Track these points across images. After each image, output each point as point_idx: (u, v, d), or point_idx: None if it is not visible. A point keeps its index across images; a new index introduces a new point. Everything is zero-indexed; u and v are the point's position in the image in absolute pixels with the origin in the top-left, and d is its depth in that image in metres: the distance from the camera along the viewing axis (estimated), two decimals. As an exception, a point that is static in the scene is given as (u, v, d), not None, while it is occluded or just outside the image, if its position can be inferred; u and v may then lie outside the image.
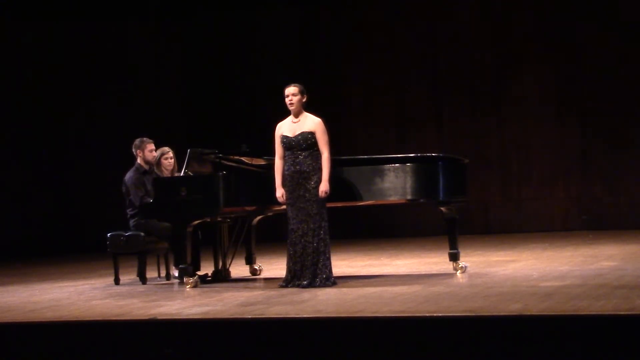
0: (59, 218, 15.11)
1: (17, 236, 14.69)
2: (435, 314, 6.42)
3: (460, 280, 8.58)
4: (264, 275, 9.83)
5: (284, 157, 8.45)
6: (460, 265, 9.05)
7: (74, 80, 15.36)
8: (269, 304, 7.40)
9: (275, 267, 10.18)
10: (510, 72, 14.84)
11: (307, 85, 8.61)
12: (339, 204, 8.90)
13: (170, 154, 9.87)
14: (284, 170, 8.45)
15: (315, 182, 8.34)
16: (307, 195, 8.35)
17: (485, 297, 7.14)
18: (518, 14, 14.81)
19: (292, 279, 8.40)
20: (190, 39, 16.28)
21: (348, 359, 6.16)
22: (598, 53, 14.38)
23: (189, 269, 8.93)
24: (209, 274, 9.44)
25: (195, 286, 8.84)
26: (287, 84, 8.53)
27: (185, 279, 8.92)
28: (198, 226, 9.18)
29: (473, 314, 6.33)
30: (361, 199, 8.83)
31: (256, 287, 8.96)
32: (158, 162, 9.79)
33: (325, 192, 8.32)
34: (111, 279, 9.64)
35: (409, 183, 8.74)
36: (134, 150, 9.81)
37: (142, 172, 9.69)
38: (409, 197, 8.82)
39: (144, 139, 9.83)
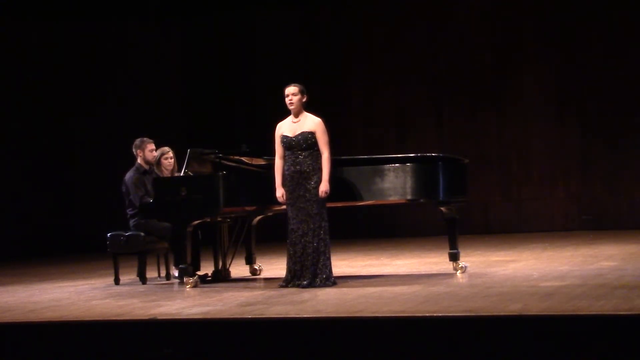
0: (59, 218, 15.11)
1: (17, 236, 14.69)
2: (435, 314, 6.42)
3: (460, 280, 8.58)
4: (264, 275, 9.83)
5: (284, 157, 8.45)
6: (460, 265, 9.05)
7: (74, 80, 15.37)
8: (269, 304, 7.39)
9: (275, 267, 10.18)
10: (510, 72, 14.84)
11: (307, 85, 8.61)
12: (339, 204, 8.90)
13: (170, 154, 9.87)
14: (284, 170, 8.44)
15: (316, 182, 8.34)
16: (307, 195, 8.35)
17: (485, 297, 7.14)
18: (518, 14, 14.81)
19: (292, 279, 8.40)
20: (190, 39, 16.29)
21: (348, 359, 6.16)
22: (598, 53, 14.39)
23: (189, 269, 8.93)
24: (209, 274, 9.43)
25: (195, 286, 8.84)
26: (287, 84, 8.54)
27: (185, 279, 8.92)
28: (198, 226, 9.18)
29: (473, 314, 6.33)
30: (361, 199, 8.83)
31: (256, 287, 8.96)
32: (158, 162, 9.79)
33: (326, 192, 8.32)
34: (111, 279, 9.64)
35: (409, 183, 8.74)
36: (134, 150, 9.81)
37: (142, 172, 9.69)
38: (409, 197, 8.82)
39: (144, 139, 9.83)
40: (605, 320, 5.96)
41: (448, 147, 13.96)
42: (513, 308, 6.46)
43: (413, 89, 15.29)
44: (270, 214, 9.60)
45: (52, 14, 15.11)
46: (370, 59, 15.44)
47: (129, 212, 9.65)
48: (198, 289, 8.74)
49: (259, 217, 9.75)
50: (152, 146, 9.78)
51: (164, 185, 9.24)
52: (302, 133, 8.38)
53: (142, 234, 9.50)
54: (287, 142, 8.42)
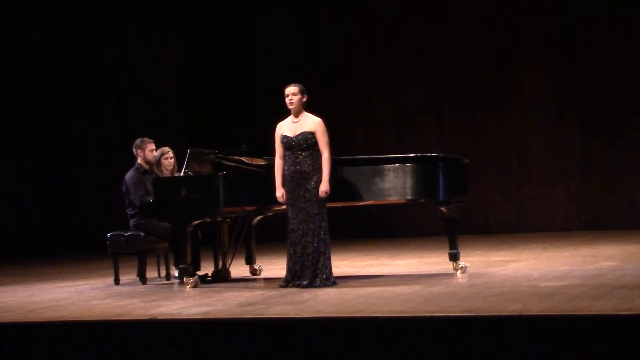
0: (59, 218, 15.12)
1: (17, 236, 14.69)
2: (435, 314, 6.41)
3: (460, 280, 8.58)
4: (264, 275, 9.83)
5: (284, 157, 8.45)
6: (460, 265, 9.05)
7: (74, 80, 15.37)
8: (269, 304, 7.39)
9: (275, 267, 10.18)
10: (510, 72, 14.84)
11: (307, 85, 8.60)
12: (339, 204, 8.89)
13: (171, 154, 9.87)
14: (284, 170, 8.44)
15: (316, 182, 8.34)
16: (307, 195, 8.35)
17: (485, 297, 7.14)
18: (518, 14, 14.81)
19: (292, 279, 8.40)
20: (190, 39, 16.29)
21: (348, 359, 6.15)
22: (598, 53, 14.39)
23: (189, 269, 8.92)
24: (209, 274, 9.43)
25: (195, 286, 8.84)
26: (287, 84, 8.53)
27: (185, 279, 8.92)
28: (198, 226, 9.18)
29: (473, 314, 6.33)
30: (361, 199, 8.83)
31: (256, 287, 8.95)
32: (158, 162, 9.79)
33: (326, 192, 8.32)
34: (111, 279, 9.64)
35: (409, 183, 8.73)
36: (134, 150, 9.81)
37: (142, 172, 9.70)
38: (409, 197, 8.82)
39: (145, 138, 9.83)
40: (605, 320, 5.95)
41: (448, 147, 13.96)
42: (513, 308, 6.46)
43: (413, 89, 15.29)
44: (270, 214, 9.59)
45: (52, 14, 15.11)
46: (370, 59, 15.45)
47: (129, 212, 9.65)
48: (198, 289, 8.74)
49: (259, 217, 9.75)
50: (152, 146, 9.78)
51: (164, 185, 9.24)
52: (302, 133, 8.38)
53: (142, 234, 9.50)
54: (287, 142, 8.41)
